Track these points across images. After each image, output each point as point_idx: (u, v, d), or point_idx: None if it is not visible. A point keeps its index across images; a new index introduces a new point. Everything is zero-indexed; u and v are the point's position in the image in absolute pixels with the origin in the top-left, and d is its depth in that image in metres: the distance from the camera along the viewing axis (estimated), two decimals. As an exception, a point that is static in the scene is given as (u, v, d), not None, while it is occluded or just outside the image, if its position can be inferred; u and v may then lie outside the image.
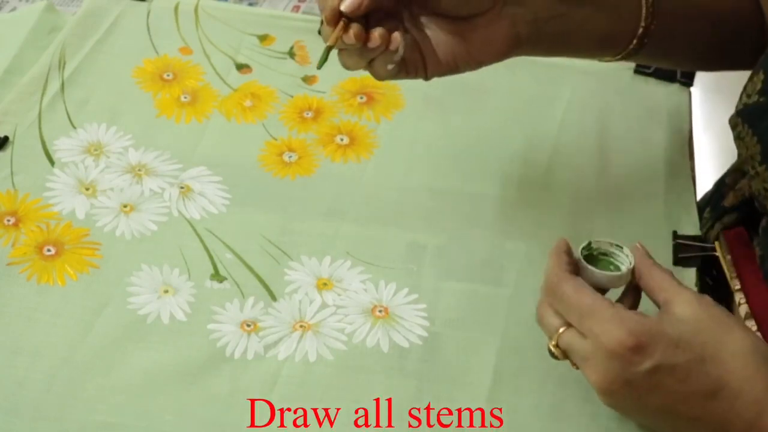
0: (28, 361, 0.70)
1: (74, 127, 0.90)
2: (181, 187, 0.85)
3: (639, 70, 0.99)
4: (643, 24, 0.78)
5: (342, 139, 0.91)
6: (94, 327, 0.73)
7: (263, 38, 1.02)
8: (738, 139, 0.71)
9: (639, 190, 0.87)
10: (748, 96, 0.70)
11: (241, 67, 0.98)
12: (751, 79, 0.71)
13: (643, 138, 0.92)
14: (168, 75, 0.96)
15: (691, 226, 0.83)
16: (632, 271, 0.67)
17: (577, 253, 0.68)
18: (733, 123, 0.73)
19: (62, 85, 0.94)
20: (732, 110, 0.75)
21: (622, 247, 0.68)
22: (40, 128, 0.90)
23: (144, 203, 0.83)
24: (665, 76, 0.98)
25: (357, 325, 0.75)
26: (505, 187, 0.87)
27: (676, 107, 0.95)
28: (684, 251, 0.80)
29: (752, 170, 0.68)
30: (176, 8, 1.04)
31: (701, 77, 0.96)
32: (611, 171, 0.89)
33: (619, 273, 0.67)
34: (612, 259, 0.68)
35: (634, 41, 0.79)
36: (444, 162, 0.89)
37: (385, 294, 0.77)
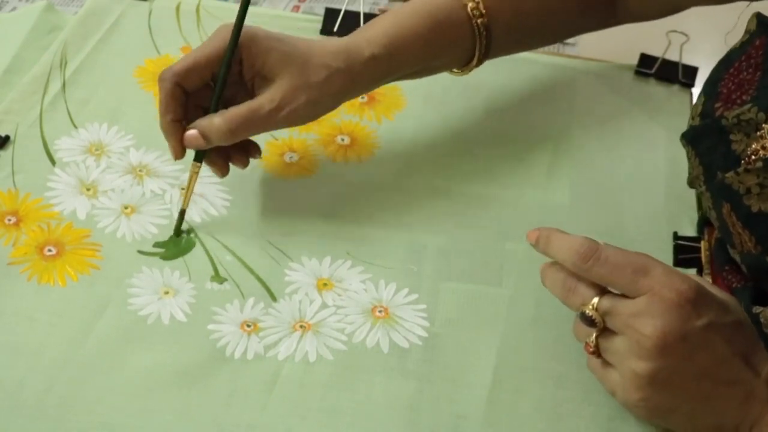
0: (28, 361, 0.70)
1: (75, 127, 0.90)
2: (182, 189, 0.85)
3: (640, 71, 0.99)
4: (477, 53, 0.84)
5: (343, 140, 0.91)
6: (94, 327, 0.73)
7: (265, 38, 1.02)
8: (687, 159, 0.72)
9: (639, 190, 0.87)
10: (692, 118, 0.72)
11: (243, 67, 0.97)
12: (695, 101, 0.73)
13: (644, 139, 0.92)
14: (169, 75, 0.96)
15: (691, 227, 0.83)
16: None
17: None
18: (683, 144, 0.74)
19: (63, 84, 0.94)
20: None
21: None
22: (41, 127, 0.90)
23: (145, 205, 0.83)
24: (666, 77, 0.98)
25: (357, 325, 0.75)
26: (505, 187, 0.87)
27: (677, 108, 0.95)
28: (684, 252, 0.80)
29: (699, 188, 0.69)
30: (178, 8, 1.04)
31: (702, 78, 0.96)
32: (612, 172, 0.89)
33: None
34: None
35: (473, 62, 0.85)
36: (444, 162, 0.89)
37: (385, 294, 0.77)
